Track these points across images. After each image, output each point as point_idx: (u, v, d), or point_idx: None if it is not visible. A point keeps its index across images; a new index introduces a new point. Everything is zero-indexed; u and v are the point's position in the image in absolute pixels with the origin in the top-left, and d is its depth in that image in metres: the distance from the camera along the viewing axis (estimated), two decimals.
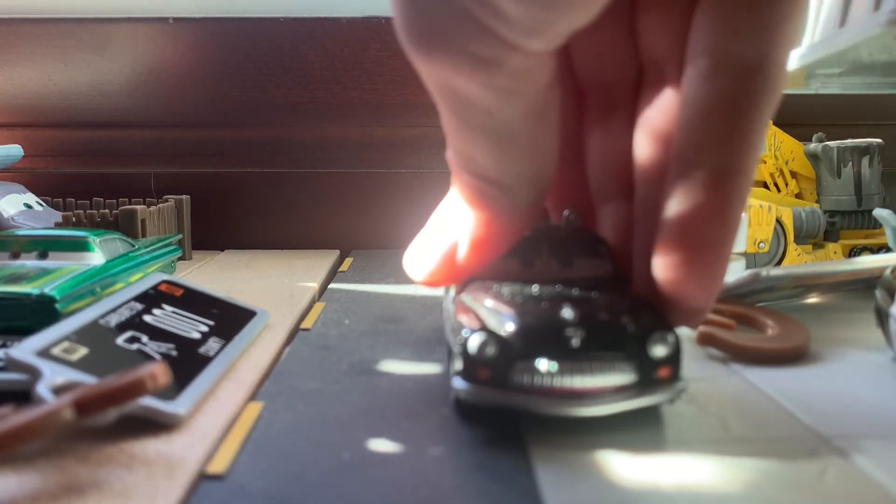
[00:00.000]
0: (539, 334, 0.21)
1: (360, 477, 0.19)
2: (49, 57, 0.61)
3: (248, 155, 0.63)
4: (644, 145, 0.22)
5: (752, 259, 0.45)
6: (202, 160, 0.63)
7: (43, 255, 0.35)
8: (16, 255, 0.35)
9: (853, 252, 0.47)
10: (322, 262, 0.55)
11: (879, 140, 0.49)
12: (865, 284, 0.35)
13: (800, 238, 0.47)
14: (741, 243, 0.39)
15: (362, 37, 0.61)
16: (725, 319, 0.32)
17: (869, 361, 0.30)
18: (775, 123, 0.50)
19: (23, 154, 0.55)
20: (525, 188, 0.21)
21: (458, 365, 0.22)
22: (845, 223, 0.48)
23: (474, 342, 0.21)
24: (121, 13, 0.61)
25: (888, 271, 0.30)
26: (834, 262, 0.44)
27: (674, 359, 0.22)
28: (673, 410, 0.24)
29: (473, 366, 0.21)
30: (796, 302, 0.39)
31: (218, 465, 0.20)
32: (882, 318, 0.30)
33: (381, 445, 0.21)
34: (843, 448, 0.21)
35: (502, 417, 0.23)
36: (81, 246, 0.35)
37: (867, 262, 0.35)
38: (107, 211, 0.46)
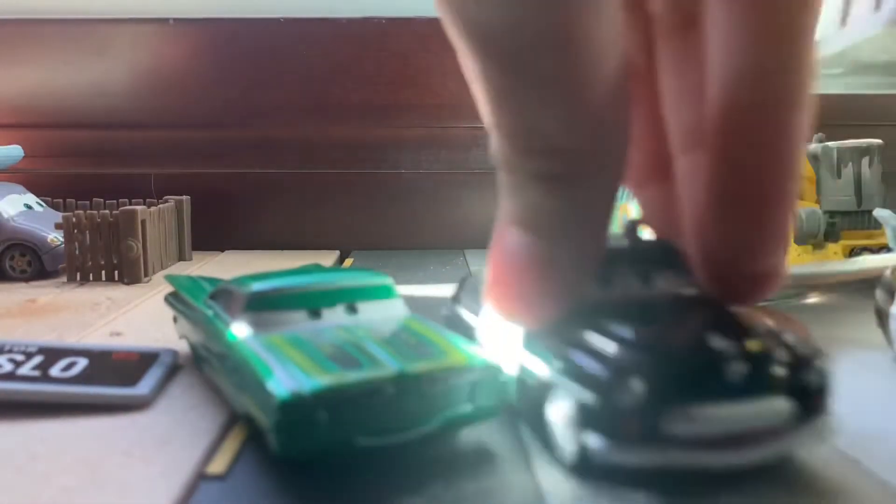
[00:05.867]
0: (695, 371, 0.18)
1: (361, 476, 0.19)
2: (49, 57, 0.61)
3: (248, 155, 0.63)
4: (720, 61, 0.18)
5: None
6: (202, 160, 0.63)
7: (352, 309, 0.25)
8: (316, 314, 0.25)
9: (853, 252, 0.47)
10: (322, 262, 0.55)
11: (879, 140, 0.49)
12: (865, 284, 0.35)
13: (800, 238, 0.47)
14: None
15: (362, 37, 0.61)
16: None
17: (869, 361, 0.30)
18: None
19: (23, 154, 0.55)
20: (603, 150, 0.17)
21: (594, 417, 0.18)
22: (845, 223, 0.48)
23: (626, 386, 0.17)
24: (121, 14, 0.61)
25: (888, 271, 0.30)
26: (834, 262, 0.44)
27: (827, 389, 0.19)
28: None
29: (624, 419, 0.17)
30: (796, 302, 0.39)
31: (218, 466, 0.20)
32: (882, 318, 0.30)
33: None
34: (844, 448, 0.21)
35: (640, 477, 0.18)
36: (385, 292, 0.26)
37: (867, 262, 0.35)
38: (107, 212, 0.46)
